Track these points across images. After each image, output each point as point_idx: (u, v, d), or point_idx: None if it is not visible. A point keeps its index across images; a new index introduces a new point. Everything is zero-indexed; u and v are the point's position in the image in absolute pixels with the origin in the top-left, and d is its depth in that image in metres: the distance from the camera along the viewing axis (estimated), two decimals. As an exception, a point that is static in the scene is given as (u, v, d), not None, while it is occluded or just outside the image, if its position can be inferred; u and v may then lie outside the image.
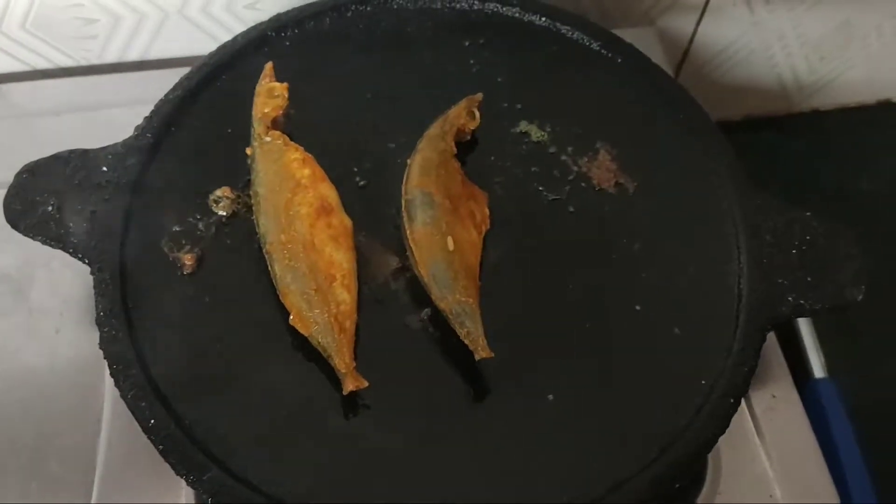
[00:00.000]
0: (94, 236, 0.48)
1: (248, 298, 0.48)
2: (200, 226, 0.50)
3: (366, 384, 0.43)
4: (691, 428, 0.44)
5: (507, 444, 0.44)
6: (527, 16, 0.60)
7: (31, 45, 0.66)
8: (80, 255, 0.48)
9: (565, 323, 0.48)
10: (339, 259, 0.47)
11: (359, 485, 0.43)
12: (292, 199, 0.48)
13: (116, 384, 0.44)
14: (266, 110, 0.51)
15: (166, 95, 0.54)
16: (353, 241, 0.48)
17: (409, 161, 0.50)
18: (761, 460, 0.52)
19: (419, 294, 0.47)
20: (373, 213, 0.51)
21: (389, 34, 0.59)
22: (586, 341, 0.48)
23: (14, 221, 0.49)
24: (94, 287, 0.47)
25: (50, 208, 0.49)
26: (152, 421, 0.43)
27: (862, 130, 0.87)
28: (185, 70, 0.56)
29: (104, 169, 0.51)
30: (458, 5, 0.60)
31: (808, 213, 0.51)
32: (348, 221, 0.49)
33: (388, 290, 0.48)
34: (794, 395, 0.55)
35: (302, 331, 0.45)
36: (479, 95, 0.54)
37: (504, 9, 0.60)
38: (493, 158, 0.54)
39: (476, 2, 0.60)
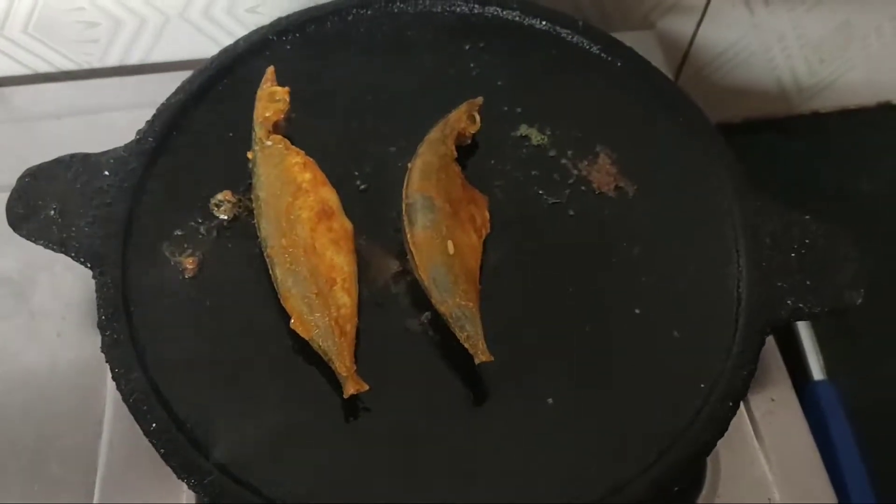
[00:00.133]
0: (95, 240, 0.48)
1: (250, 302, 0.48)
2: (202, 229, 0.50)
3: (366, 387, 0.43)
4: (690, 431, 0.44)
5: (506, 447, 0.44)
6: (527, 19, 0.60)
7: (32, 49, 0.67)
8: (82, 259, 0.48)
9: (565, 326, 0.48)
10: (340, 263, 0.47)
11: (359, 487, 0.43)
12: (293, 203, 0.48)
13: (118, 387, 0.44)
14: (267, 114, 0.51)
15: (168, 99, 0.54)
16: (354, 245, 0.48)
17: (409, 165, 0.51)
18: (760, 463, 0.52)
19: (419, 297, 0.47)
20: (373, 216, 0.51)
21: (390, 38, 0.59)
22: (586, 344, 0.48)
23: (16, 225, 0.49)
24: (96, 291, 0.47)
25: (52, 212, 0.49)
26: (154, 424, 0.43)
27: (862, 132, 0.87)
28: (186, 73, 0.56)
29: (106, 173, 0.51)
30: (458, 9, 0.60)
31: (806, 216, 0.51)
32: (349, 225, 0.49)
33: (389, 293, 0.49)
34: (793, 398, 0.55)
35: (303, 334, 0.45)
36: (480, 99, 0.54)
37: (504, 12, 0.60)
38: (493, 162, 0.54)
39: (476, 5, 0.60)
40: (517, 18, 0.60)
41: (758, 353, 0.47)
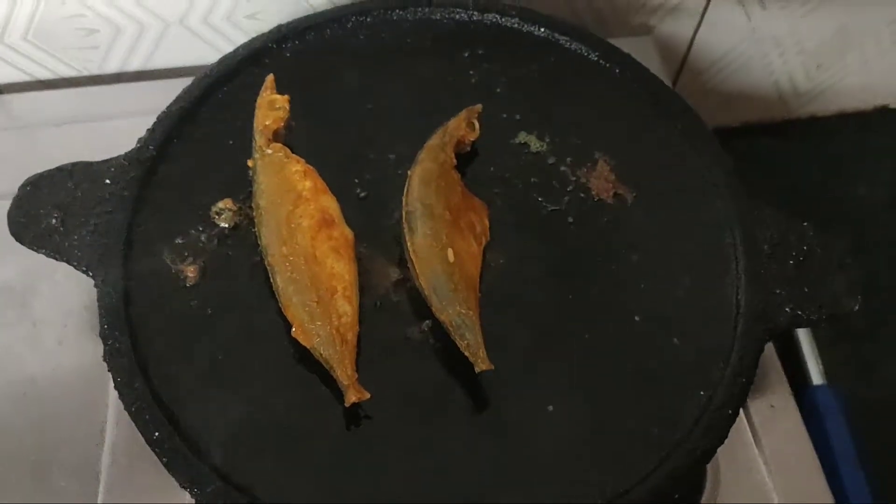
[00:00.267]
0: (97, 249, 0.49)
1: (251, 310, 0.48)
2: (203, 238, 0.50)
3: (368, 396, 0.44)
4: (690, 439, 0.45)
5: (506, 455, 0.45)
6: (525, 26, 0.60)
7: (33, 56, 0.67)
8: (83, 268, 0.48)
9: (564, 334, 0.48)
10: (341, 271, 0.47)
11: (361, 495, 0.43)
12: (294, 212, 0.49)
13: (121, 397, 0.45)
14: (267, 122, 0.51)
15: (168, 108, 0.54)
16: (355, 253, 0.49)
17: (409, 173, 0.51)
18: (760, 470, 0.53)
19: (420, 305, 0.47)
20: (373, 223, 0.51)
21: (389, 45, 0.59)
22: (585, 352, 0.48)
23: (18, 234, 0.49)
24: (98, 300, 0.47)
25: (53, 221, 0.49)
26: (156, 434, 0.43)
27: (859, 136, 0.88)
28: (186, 80, 0.56)
29: (107, 181, 0.51)
30: (457, 16, 0.61)
31: (804, 224, 0.51)
32: (349, 233, 0.49)
33: (389, 301, 0.49)
34: (793, 405, 0.55)
35: (304, 343, 0.45)
36: (479, 106, 0.54)
37: (503, 20, 0.60)
38: (492, 169, 0.54)
39: (475, 13, 0.60)
40: (516, 25, 0.60)
41: (757, 361, 0.47)
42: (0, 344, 0.55)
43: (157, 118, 0.54)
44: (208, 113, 0.55)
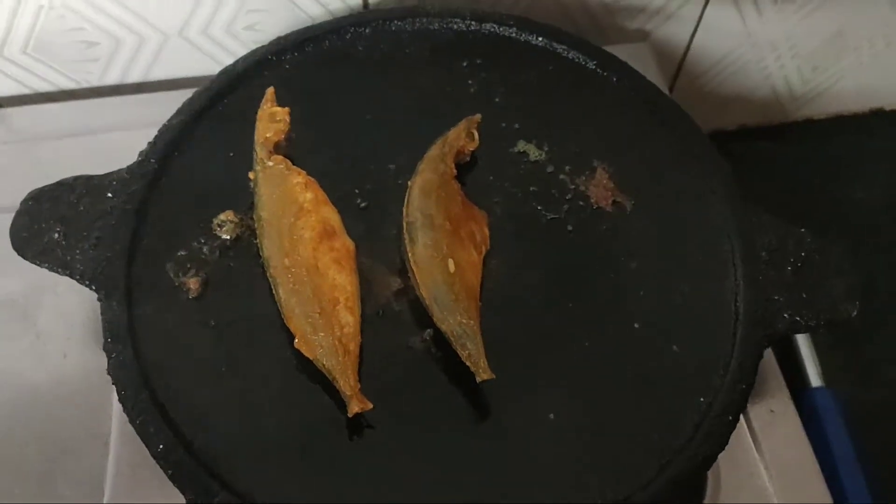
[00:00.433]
0: (100, 262, 0.49)
1: (253, 322, 0.48)
2: (205, 250, 0.50)
3: (370, 406, 0.44)
4: (690, 445, 0.45)
5: (507, 463, 0.45)
6: (523, 35, 0.61)
7: (32, 69, 0.67)
8: (86, 282, 0.49)
9: (565, 342, 0.49)
10: (343, 282, 0.48)
11: (364, 505, 0.44)
12: (295, 223, 0.49)
13: (125, 409, 0.45)
14: (268, 135, 0.52)
15: (169, 121, 0.55)
16: (356, 264, 0.49)
17: (409, 183, 0.51)
18: (760, 474, 0.53)
19: (421, 315, 0.48)
20: (374, 233, 0.51)
21: (388, 56, 0.60)
22: (586, 360, 0.48)
23: (21, 249, 0.49)
24: (101, 313, 0.47)
25: (56, 235, 0.50)
26: (161, 446, 0.44)
27: (855, 138, 0.88)
28: (186, 91, 0.57)
29: (109, 195, 0.51)
30: (455, 26, 0.61)
31: (802, 230, 0.52)
32: (351, 244, 0.49)
33: (391, 311, 0.49)
34: (792, 410, 0.55)
35: (307, 354, 0.45)
36: (478, 116, 0.55)
37: (501, 29, 0.61)
38: (491, 178, 0.55)
39: (473, 22, 0.61)
40: (514, 35, 0.61)
41: (756, 367, 0.48)
42: (4, 356, 0.55)
43: (159, 131, 0.54)
44: (209, 125, 0.55)
